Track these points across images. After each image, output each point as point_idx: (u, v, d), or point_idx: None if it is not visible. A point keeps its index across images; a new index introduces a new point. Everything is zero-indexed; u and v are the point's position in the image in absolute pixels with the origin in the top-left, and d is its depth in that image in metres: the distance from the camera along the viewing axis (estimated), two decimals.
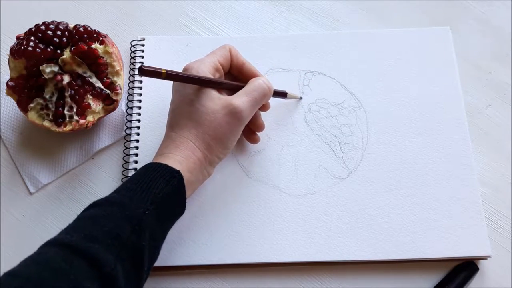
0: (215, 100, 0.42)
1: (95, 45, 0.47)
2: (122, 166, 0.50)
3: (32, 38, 0.46)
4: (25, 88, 0.47)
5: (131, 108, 0.51)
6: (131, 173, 0.48)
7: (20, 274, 0.31)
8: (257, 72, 0.46)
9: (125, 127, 0.51)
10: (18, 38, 0.47)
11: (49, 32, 0.46)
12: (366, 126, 0.50)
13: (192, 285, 0.45)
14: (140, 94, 0.52)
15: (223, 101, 0.42)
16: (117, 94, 0.48)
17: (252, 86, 0.44)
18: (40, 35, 0.46)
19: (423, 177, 0.48)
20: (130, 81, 0.52)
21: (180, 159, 0.40)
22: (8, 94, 0.47)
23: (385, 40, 0.54)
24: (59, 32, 0.47)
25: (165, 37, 0.55)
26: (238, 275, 0.46)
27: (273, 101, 0.49)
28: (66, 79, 0.46)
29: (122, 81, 0.49)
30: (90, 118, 0.47)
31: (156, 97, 0.51)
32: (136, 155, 0.49)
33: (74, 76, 0.47)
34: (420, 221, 0.46)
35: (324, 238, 0.46)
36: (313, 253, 0.45)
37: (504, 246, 0.47)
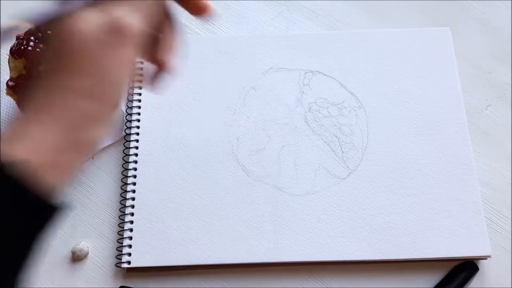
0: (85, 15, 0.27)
1: None
2: (122, 166, 0.49)
3: (32, 38, 0.46)
4: (25, 88, 0.47)
5: (131, 108, 0.51)
6: (131, 173, 0.48)
7: None
8: None
9: (125, 127, 0.51)
10: (18, 38, 0.47)
11: (49, 32, 0.46)
12: (366, 126, 0.50)
13: (192, 285, 0.45)
14: (140, 94, 0.52)
15: (99, 16, 0.27)
16: None
17: None
18: (40, 35, 0.46)
19: (423, 177, 0.48)
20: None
21: None
22: (8, 94, 0.47)
23: (385, 40, 0.54)
24: None
25: None
26: (238, 275, 0.46)
27: (273, 100, 0.49)
28: None
29: None
30: None
31: (156, 97, 0.51)
32: (136, 155, 0.49)
33: None
34: (420, 221, 0.46)
35: (324, 238, 0.46)
36: (313, 253, 0.45)
37: (504, 246, 0.47)
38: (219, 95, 0.51)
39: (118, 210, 0.48)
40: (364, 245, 0.45)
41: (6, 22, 0.27)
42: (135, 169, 0.48)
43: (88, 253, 0.46)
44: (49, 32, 0.28)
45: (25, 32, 0.47)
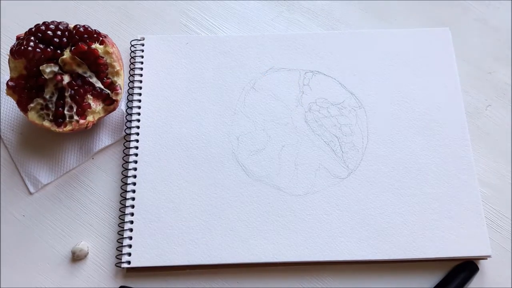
0: None
1: (95, 45, 0.47)
2: (122, 166, 0.50)
3: (32, 38, 0.46)
4: (25, 88, 0.47)
5: (131, 108, 0.51)
6: (131, 173, 0.48)
7: None
8: None
9: (125, 127, 0.51)
10: (18, 38, 0.47)
11: (49, 32, 0.46)
12: (366, 126, 0.50)
13: (192, 285, 0.45)
14: (140, 94, 0.52)
15: None
16: (117, 94, 0.48)
17: None
18: (40, 35, 0.46)
19: (423, 177, 0.48)
20: (130, 81, 0.52)
21: None
22: (8, 94, 0.47)
23: (385, 40, 0.54)
24: (59, 32, 0.47)
25: (164, 36, 0.55)
26: (238, 275, 0.46)
27: (273, 100, 0.49)
28: (66, 79, 0.46)
29: (122, 81, 0.49)
30: (90, 118, 0.47)
31: (156, 97, 0.52)
32: (136, 155, 0.49)
33: (74, 76, 0.47)
34: (420, 221, 0.46)
35: (324, 238, 0.46)
36: (313, 253, 0.45)
37: (504, 246, 0.47)
38: (219, 95, 0.52)
39: (118, 210, 0.48)
40: (364, 245, 0.45)
41: None
42: (135, 169, 0.48)
43: (88, 253, 0.47)
44: None
45: (25, 32, 0.47)
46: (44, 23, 0.47)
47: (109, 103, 0.49)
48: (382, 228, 0.46)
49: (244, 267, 0.46)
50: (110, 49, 0.48)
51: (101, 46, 0.48)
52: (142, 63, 0.53)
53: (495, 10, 0.58)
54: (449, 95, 0.52)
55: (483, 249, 0.45)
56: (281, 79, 0.52)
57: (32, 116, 0.47)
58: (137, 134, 0.50)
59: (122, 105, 0.52)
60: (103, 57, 0.48)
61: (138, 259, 0.45)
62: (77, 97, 0.46)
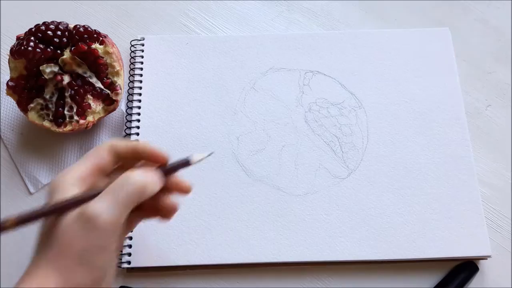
0: (70, 211, 0.33)
1: (95, 45, 0.47)
2: None
3: (32, 38, 0.46)
4: (25, 88, 0.47)
5: (131, 108, 0.51)
6: None
7: None
8: (157, 152, 0.37)
9: (125, 127, 0.51)
10: (18, 38, 0.47)
11: (49, 32, 0.46)
12: (366, 126, 0.50)
13: (192, 285, 0.45)
14: (140, 94, 0.52)
15: (78, 209, 0.32)
16: (117, 94, 0.48)
17: (116, 183, 0.33)
18: (40, 35, 0.46)
19: (423, 177, 0.48)
20: (130, 81, 0.52)
21: None
22: (8, 94, 0.47)
23: (385, 40, 0.54)
24: (59, 32, 0.47)
25: (164, 36, 0.55)
26: (238, 275, 0.46)
27: (273, 100, 0.49)
28: (66, 79, 0.46)
29: (122, 81, 0.49)
30: (90, 118, 0.47)
31: (156, 97, 0.52)
32: None
33: (74, 76, 0.47)
34: (420, 221, 0.46)
35: (324, 238, 0.46)
36: (313, 253, 0.45)
37: (504, 246, 0.47)
38: (219, 95, 0.52)
39: None
40: (364, 245, 0.45)
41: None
42: None
43: None
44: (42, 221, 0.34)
45: (25, 32, 0.47)
46: (44, 23, 0.47)
47: (109, 103, 0.49)
48: (382, 228, 0.46)
49: (244, 267, 0.46)
50: (110, 49, 0.48)
51: (101, 46, 0.48)
52: (142, 63, 0.53)
53: (495, 10, 0.58)
54: (449, 95, 0.52)
55: (483, 249, 0.45)
56: (281, 79, 0.52)
57: (32, 116, 0.47)
58: (137, 134, 0.50)
59: (122, 105, 0.52)
60: (103, 57, 0.48)
61: (138, 259, 0.45)
62: (77, 97, 0.46)
